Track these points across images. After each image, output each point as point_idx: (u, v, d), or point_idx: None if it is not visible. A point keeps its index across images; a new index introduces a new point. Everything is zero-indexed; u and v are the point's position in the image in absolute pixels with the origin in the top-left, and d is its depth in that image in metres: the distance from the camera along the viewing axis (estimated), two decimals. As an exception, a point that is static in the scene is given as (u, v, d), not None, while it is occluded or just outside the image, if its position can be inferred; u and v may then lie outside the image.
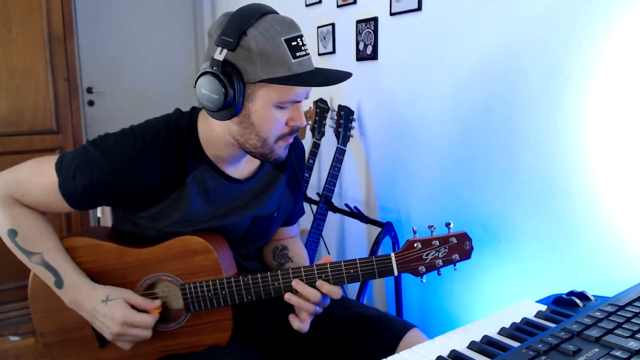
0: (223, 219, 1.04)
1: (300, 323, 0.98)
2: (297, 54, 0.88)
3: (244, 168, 1.07)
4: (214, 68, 0.87)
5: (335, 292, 0.96)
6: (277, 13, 0.91)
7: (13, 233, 0.96)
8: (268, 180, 1.11)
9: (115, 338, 0.97)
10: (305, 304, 0.96)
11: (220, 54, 0.87)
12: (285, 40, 0.86)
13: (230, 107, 0.89)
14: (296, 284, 0.96)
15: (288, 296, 0.97)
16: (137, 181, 0.95)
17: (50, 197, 0.96)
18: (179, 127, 0.99)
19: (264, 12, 0.89)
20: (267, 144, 0.95)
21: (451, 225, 0.94)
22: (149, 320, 0.96)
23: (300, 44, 0.88)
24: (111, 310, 0.95)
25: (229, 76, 0.87)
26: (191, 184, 1.00)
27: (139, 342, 1.00)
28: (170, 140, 0.97)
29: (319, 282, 0.95)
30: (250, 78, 0.87)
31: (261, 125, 0.92)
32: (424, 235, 0.95)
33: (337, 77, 0.92)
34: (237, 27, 0.86)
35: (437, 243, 0.93)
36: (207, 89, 0.88)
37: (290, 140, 0.98)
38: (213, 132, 0.98)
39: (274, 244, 1.22)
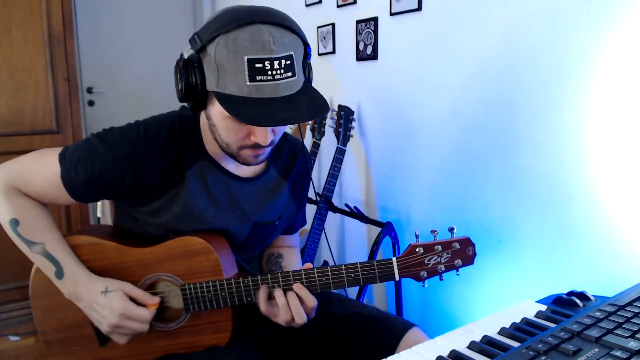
0: (223, 220, 1.04)
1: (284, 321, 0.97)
2: (258, 77, 0.80)
3: (247, 167, 1.05)
4: (179, 63, 0.87)
5: (309, 299, 0.95)
6: (271, 23, 0.82)
7: (15, 222, 0.97)
8: (271, 186, 1.10)
9: (112, 330, 0.97)
10: (297, 307, 0.95)
11: (187, 52, 0.88)
12: (248, 59, 0.80)
13: (187, 101, 0.89)
14: (299, 289, 0.95)
15: (298, 286, 0.95)
16: (137, 174, 0.95)
17: (52, 188, 0.96)
18: (183, 122, 1.00)
19: (250, 21, 0.81)
20: (230, 148, 0.93)
21: (454, 230, 0.93)
22: (147, 315, 0.96)
23: (268, 67, 0.80)
24: (110, 302, 0.95)
25: (188, 75, 0.85)
26: (191, 179, 1.00)
27: (138, 342, 1.00)
28: (172, 135, 0.98)
29: (296, 285, 0.95)
30: (207, 85, 0.86)
31: (220, 130, 0.91)
32: (426, 239, 0.94)
33: (287, 116, 0.82)
34: (211, 30, 0.82)
35: (440, 248, 0.92)
36: (175, 79, 0.89)
37: (259, 152, 0.93)
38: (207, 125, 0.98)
39: (270, 250, 1.22)
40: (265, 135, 0.88)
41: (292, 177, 1.13)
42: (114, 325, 0.95)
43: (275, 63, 0.81)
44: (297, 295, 0.95)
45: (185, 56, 0.87)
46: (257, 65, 0.80)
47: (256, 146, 0.91)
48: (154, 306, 0.98)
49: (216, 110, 0.88)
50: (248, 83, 0.81)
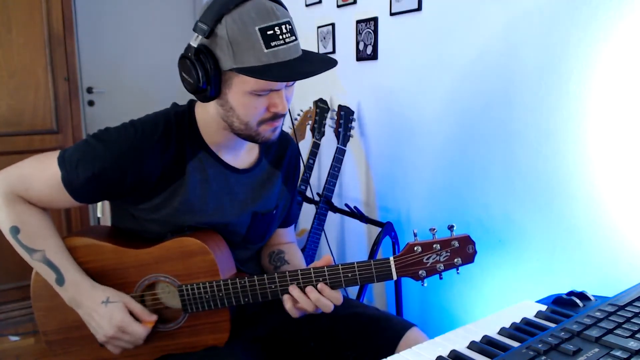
0: (223, 212, 1.04)
1: (294, 310, 0.96)
2: (273, 44, 0.86)
3: (242, 159, 1.07)
4: (189, 54, 0.88)
5: (335, 298, 0.94)
6: None
7: (15, 230, 0.97)
8: (266, 176, 1.11)
9: (107, 341, 0.98)
10: (305, 301, 0.95)
11: (195, 40, 0.89)
12: (259, 29, 0.85)
13: (204, 91, 0.90)
14: (292, 289, 0.94)
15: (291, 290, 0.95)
16: (138, 171, 0.96)
17: (53, 191, 0.96)
18: (178, 117, 1.01)
19: None
20: (249, 127, 0.95)
21: (454, 228, 0.92)
22: (142, 333, 0.97)
23: (278, 32, 0.86)
24: (110, 312, 0.96)
25: (202, 62, 0.88)
26: (191, 173, 1.00)
27: (137, 342, 1.00)
28: (169, 130, 0.98)
29: (320, 285, 0.94)
30: (223, 66, 0.88)
31: (240, 110, 0.93)
32: (425, 237, 0.93)
33: (309, 70, 0.89)
34: (214, 13, 0.86)
35: (438, 246, 0.91)
36: (184, 72, 0.92)
37: (277, 123, 0.97)
38: (208, 115, 0.99)
39: (270, 248, 1.22)
40: (284, 102, 0.92)
41: (284, 167, 1.15)
42: (110, 336, 0.96)
43: (283, 27, 0.87)
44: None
45: (195, 45, 0.88)
46: (268, 32, 0.86)
47: (274, 117, 0.94)
48: (150, 324, 0.98)
49: (234, 90, 0.90)
50: (265, 50, 0.85)
